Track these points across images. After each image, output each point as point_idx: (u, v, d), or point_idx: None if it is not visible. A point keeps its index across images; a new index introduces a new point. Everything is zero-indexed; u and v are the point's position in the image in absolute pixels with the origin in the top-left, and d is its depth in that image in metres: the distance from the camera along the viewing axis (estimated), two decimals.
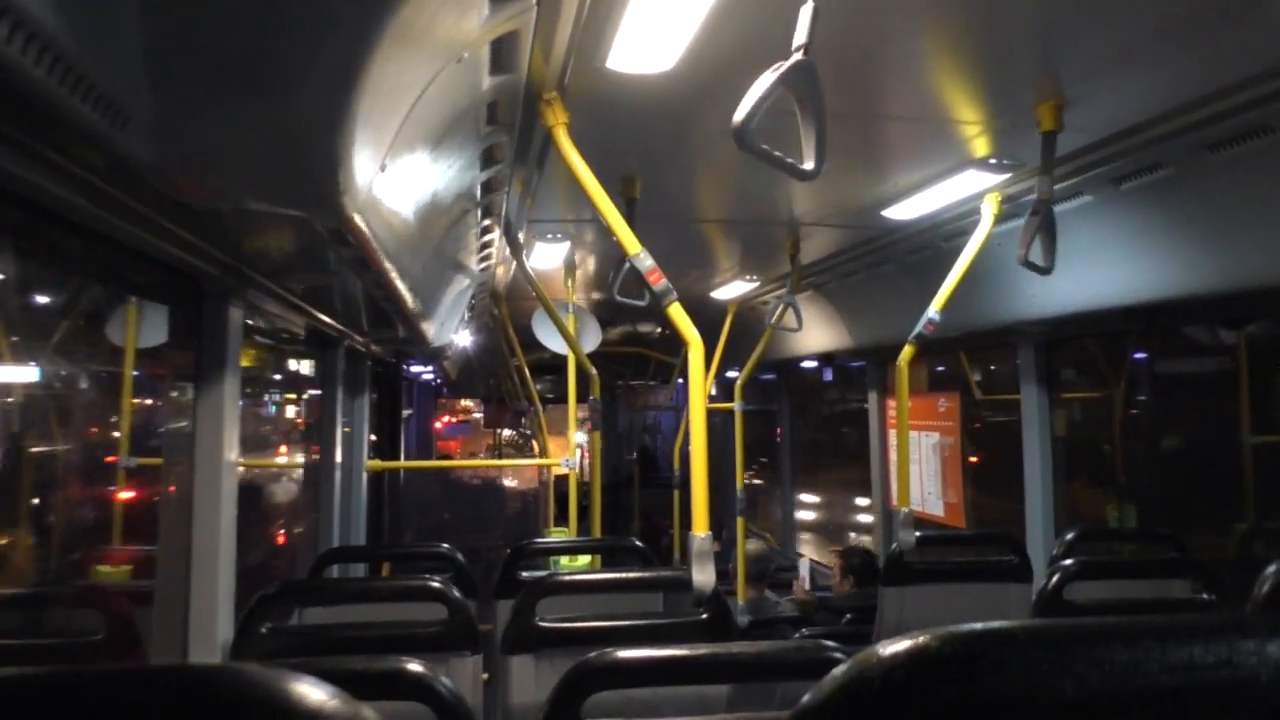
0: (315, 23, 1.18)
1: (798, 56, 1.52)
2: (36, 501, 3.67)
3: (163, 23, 1.17)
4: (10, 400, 3.43)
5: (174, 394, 2.80)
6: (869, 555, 5.21)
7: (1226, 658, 0.48)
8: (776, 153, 1.59)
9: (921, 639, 0.49)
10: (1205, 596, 3.01)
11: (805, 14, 1.51)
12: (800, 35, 1.52)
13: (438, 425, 14.93)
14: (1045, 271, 2.68)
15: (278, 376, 7.42)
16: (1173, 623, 0.50)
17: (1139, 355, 5.17)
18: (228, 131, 1.40)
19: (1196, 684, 0.47)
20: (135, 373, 3.68)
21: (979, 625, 0.50)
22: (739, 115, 1.52)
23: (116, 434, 3.77)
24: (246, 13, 1.16)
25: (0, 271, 2.67)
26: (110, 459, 3.79)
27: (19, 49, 0.97)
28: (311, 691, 0.50)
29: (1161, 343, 5.08)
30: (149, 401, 3.92)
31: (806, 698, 0.50)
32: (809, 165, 1.60)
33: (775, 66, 1.52)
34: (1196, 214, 2.80)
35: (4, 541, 3.48)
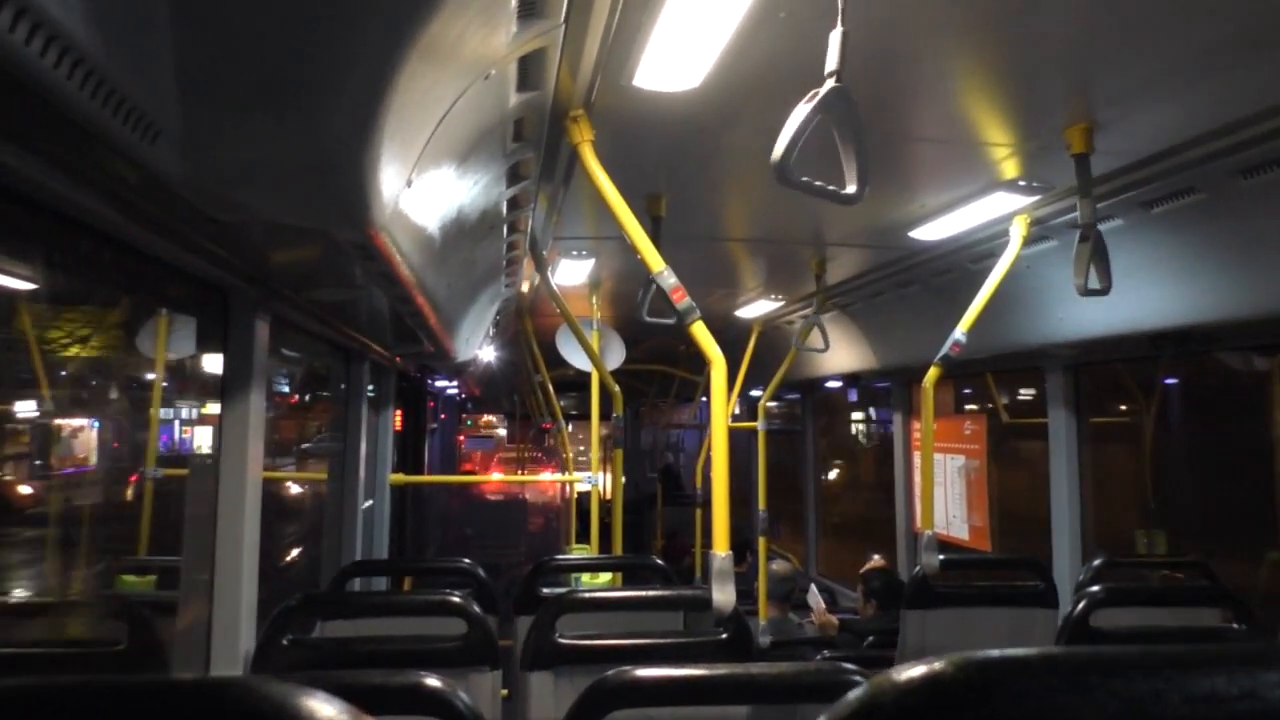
0: (343, 39, 1.19)
1: (831, 83, 1.49)
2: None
3: (194, 39, 1.18)
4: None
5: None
6: (891, 577, 5.15)
7: (1250, 689, 0.46)
8: (818, 182, 1.57)
9: (937, 665, 0.48)
10: (1235, 626, 2.95)
11: (835, 40, 1.49)
12: (832, 61, 1.49)
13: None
14: (1103, 293, 2.64)
15: (303, 387, 7.47)
16: (1196, 653, 0.49)
17: (1169, 380, 5.11)
18: (256, 146, 1.41)
19: (1219, 716, 0.46)
20: (165, 384, 3.71)
21: (995, 652, 0.49)
22: (778, 151, 1.49)
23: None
24: (275, 29, 1.18)
25: (34, 282, 2.70)
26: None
27: (52, 63, 0.98)
28: (321, 707, 0.50)
29: (1193, 367, 5.01)
30: None
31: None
32: (851, 189, 1.58)
33: (810, 95, 1.49)
34: (1229, 239, 2.76)
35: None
